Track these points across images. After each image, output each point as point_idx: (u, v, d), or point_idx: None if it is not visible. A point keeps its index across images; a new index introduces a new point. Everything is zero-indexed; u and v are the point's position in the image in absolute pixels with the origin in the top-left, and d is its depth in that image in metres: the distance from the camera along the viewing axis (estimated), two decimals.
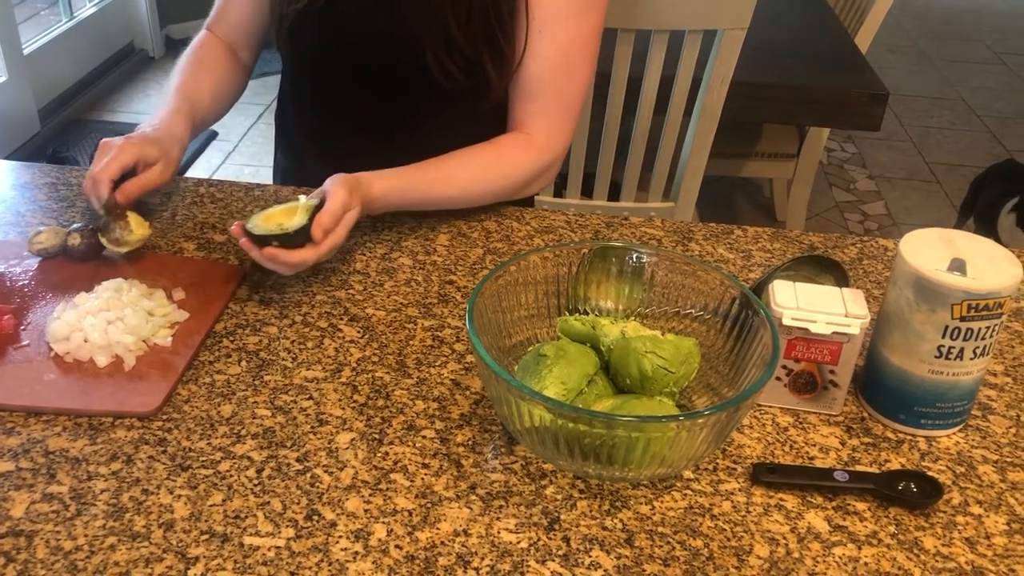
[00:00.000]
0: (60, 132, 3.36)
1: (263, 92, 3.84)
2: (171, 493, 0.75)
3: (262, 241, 0.94)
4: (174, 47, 4.16)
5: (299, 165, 1.31)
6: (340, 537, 0.72)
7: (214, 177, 3.15)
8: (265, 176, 3.66)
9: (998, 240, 2.51)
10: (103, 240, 0.99)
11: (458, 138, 1.13)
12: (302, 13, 1.14)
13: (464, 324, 0.96)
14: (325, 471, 0.78)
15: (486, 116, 1.18)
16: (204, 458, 0.79)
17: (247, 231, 0.94)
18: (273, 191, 1.19)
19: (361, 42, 1.15)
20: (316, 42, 1.18)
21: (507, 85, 1.15)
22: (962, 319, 0.80)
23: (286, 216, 0.96)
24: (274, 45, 1.24)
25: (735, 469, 0.81)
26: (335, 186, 0.98)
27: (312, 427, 0.83)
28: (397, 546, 0.72)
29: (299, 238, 0.94)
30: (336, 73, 1.19)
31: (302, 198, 0.97)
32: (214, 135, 3.45)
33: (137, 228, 0.99)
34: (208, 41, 1.29)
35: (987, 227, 2.60)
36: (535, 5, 1.09)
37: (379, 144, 1.18)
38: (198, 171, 3.19)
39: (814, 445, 0.84)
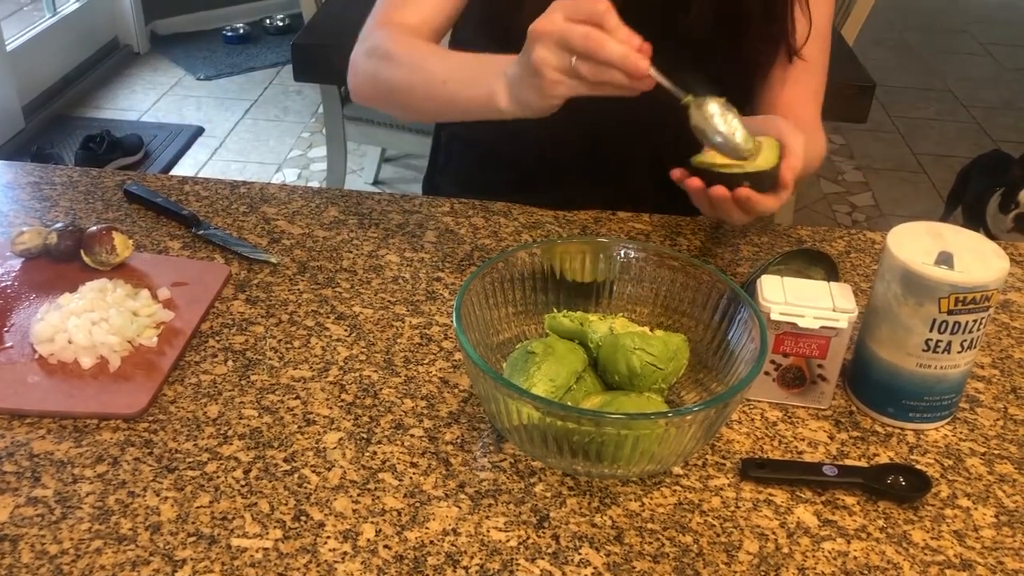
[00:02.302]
0: (44, 129, 3.33)
1: (249, 88, 3.82)
2: (157, 495, 0.75)
3: (731, 181, 0.85)
4: (159, 43, 4.14)
5: (519, 182, 1.18)
6: (328, 538, 0.72)
7: (200, 174, 3.14)
8: (252, 172, 3.65)
9: (987, 231, 2.52)
10: (86, 259, 0.98)
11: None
12: None
13: (452, 321, 0.95)
14: (313, 471, 0.78)
15: None
16: (191, 459, 0.78)
17: (703, 169, 0.86)
18: (260, 188, 1.18)
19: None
20: None
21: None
22: (949, 312, 0.80)
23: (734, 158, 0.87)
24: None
25: (724, 464, 0.81)
26: (792, 130, 0.89)
27: (299, 427, 0.82)
28: (386, 546, 0.72)
29: (769, 180, 0.86)
30: None
31: (737, 133, 0.86)
32: (200, 131, 3.44)
33: (122, 250, 0.98)
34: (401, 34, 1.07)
35: (975, 218, 2.61)
36: None
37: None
38: (184, 168, 3.18)
39: (803, 439, 0.84)
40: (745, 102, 0.96)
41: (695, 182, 0.88)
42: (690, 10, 1.06)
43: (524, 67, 0.84)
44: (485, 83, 0.91)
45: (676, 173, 0.89)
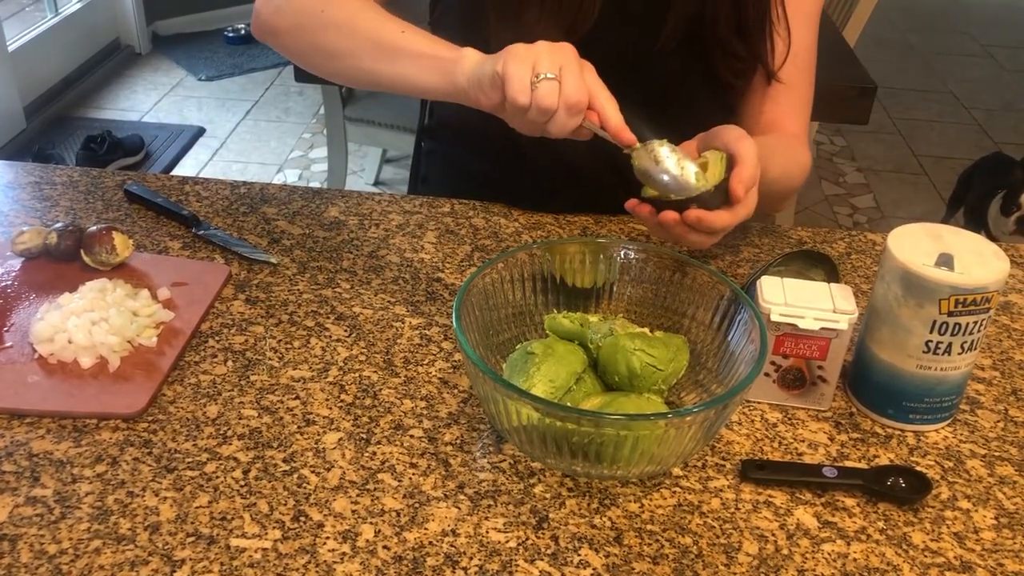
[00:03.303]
0: (46, 129, 3.34)
1: (251, 88, 3.83)
2: (156, 495, 0.75)
3: (679, 206, 0.83)
4: (160, 43, 4.14)
5: (520, 171, 1.17)
6: (327, 538, 0.72)
7: (201, 175, 3.14)
8: (253, 172, 3.65)
9: (988, 233, 2.52)
10: (86, 259, 0.98)
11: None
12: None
13: (452, 322, 0.95)
14: (312, 472, 0.78)
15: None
16: (190, 459, 0.78)
17: (651, 199, 0.85)
18: (260, 188, 1.18)
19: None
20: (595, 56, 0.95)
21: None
22: (950, 314, 0.80)
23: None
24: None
25: (724, 466, 0.80)
26: (740, 137, 0.87)
27: (299, 427, 0.82)
28: (385, 547, 0.71)
29: (719, 197, 0.84)
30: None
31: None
32: (201, 132, 3.44)
33: (122, 250, 0.98)
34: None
35: (977, 220, 2.61)
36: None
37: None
38: (186, 168, 3.18)
39: (803, 441, 0.84)
40: (722, 122, 0.94)
41: (644, 209, 0.86)
42: (664, 28, 1.05)
43: (497, 59, 0.85)
44: (454, 49, 0.89)
45: (630, 203, 0.88)
